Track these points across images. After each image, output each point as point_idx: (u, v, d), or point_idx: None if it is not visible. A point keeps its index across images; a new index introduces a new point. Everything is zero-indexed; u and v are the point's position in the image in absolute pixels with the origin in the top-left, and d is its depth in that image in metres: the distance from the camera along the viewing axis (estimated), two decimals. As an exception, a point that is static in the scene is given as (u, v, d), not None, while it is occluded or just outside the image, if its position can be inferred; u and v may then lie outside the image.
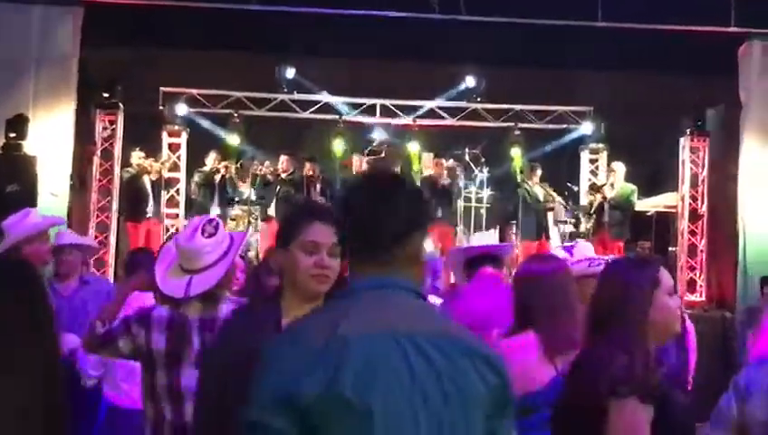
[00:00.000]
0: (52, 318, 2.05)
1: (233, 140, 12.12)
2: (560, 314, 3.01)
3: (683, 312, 2.93)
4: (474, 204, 12.06)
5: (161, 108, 12.00)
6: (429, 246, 10.29)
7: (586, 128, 12.47)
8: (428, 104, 12.51)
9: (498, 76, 11.97)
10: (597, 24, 9.80)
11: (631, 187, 11.01)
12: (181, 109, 11.95)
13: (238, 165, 11.93)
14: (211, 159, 11.60)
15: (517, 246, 10.80)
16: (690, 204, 11.23)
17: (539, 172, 11.48)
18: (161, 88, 11.98)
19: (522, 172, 11.66)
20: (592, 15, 9.76)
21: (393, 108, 12.50)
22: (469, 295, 4.28)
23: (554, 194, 11.62)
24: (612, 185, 11.08)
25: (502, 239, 11.19)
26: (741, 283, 10.15)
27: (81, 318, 4.63)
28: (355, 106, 12.50)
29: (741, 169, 10.41)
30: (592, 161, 12.72)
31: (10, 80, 9.69)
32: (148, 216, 11.05)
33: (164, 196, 11.65)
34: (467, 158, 12.34)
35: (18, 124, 9.26)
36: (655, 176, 12.23)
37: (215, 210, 11.19)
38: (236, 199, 11.83)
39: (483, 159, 12.27)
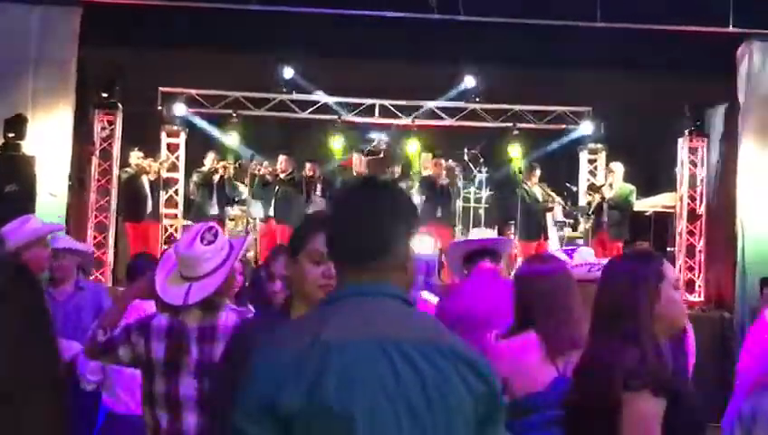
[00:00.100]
0: (52, 324, 2.05)
1: (231, 140, 12.13)
2: (560, 314, 3.00)
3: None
4: (473, 204, 12.04)
5: (160, 108, 11.98)
6: (429, 245, 10.30)
7: (585, 128, 12.46)
8: (427, 104, 12.50)
9: (497, 76, 11.94)
10: (596, 24, 9.77)
11: (630, 187, 11.01)
12: (180, 109, 11.93)
13: (237, 165, 11.91)
14: (210, 160, 11.59)
15: (516, 246, 10.79)
16: (689, 204, 11.24)
17: (538, 172, 11.47)
18: (160, 88, 11.96)
19: (520, 172, 11.64)
20: (591, 16, 9.74)
21: (392, 108, 12.48)
22: (469, 293, 4.28)
23: (553, 194, 11.61)
24: (611, 185, 11.08)
25: (500, 240, 11.17)
26: (739, 283, 10.13)
27: (75, 324, 4.65)
28: (354, 106, 12.49)
29: (739, 169, 10.39)
30: (591, 162, 12.72)
31: (9, 80, 9.67)
32: (146, 216, 11.05)
33: (162, 196, 11.66)
34: (466, 158, 12.32)
35: (17, 124, 9.25)
36: (653, 176, 12.23)
37: (213, 210, 11.20)
38: (235, 199, 11.83)
39: (482, 160, 12.25)
